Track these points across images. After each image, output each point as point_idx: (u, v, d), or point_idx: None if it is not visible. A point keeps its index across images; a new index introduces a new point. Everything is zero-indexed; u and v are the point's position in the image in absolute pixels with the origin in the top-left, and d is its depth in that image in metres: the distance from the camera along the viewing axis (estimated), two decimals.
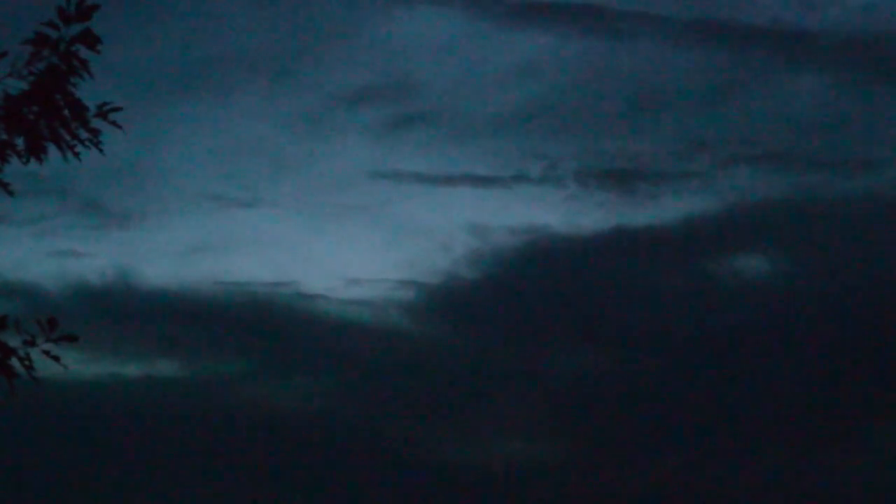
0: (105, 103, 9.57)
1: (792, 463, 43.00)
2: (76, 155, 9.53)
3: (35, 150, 9.46)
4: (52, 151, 9.56)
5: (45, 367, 9.33)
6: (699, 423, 44.21)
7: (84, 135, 9.53)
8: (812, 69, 53.55)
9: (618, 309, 48.51)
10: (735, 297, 48.08)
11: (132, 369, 50.54)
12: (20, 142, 9.45)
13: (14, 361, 9.30)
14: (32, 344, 9.26)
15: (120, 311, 50.76)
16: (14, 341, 9.34)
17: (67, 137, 9.50)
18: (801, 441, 43.47)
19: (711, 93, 56.34)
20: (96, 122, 9.56)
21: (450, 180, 55.69)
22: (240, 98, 58.88)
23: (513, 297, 50.38)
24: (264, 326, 50.54)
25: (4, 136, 9.42)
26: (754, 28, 53.31)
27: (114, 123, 9.58)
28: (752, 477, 42.46)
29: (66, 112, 9.45)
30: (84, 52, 9.38)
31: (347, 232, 60.45)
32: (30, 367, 9.25)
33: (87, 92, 9.50)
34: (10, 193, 9.62)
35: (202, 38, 58.94)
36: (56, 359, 9.31)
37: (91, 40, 9.36)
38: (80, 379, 44.70)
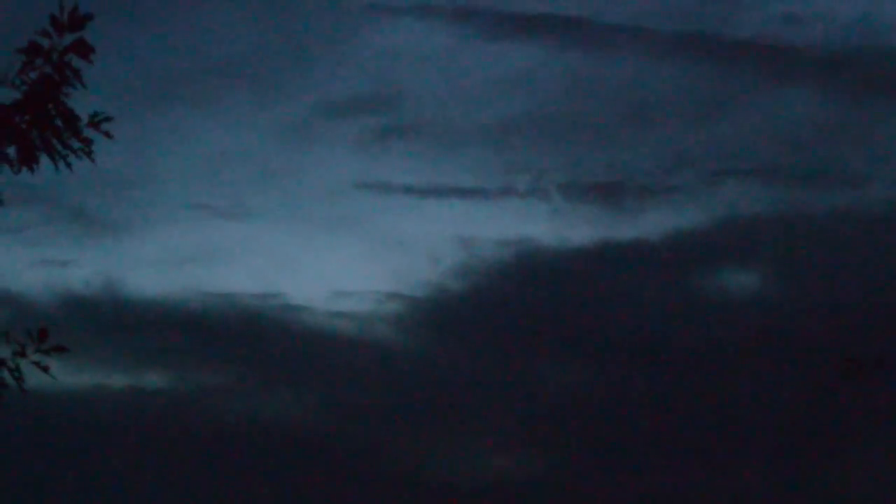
0: (97, 113, 9.50)
1: (779, 479, 43.00)
2: (68, 165, 9.47)
3: (27, 160, 9.39)
4: (43, 160, 9.49)
5: (30, 377, 9.25)
6: (687, 437, 44.19)
7: (76, 144, 9.47)
8: (799, 84, 53.66)
9: (605, 323, 48.48)
10: (722, 312, 48.06)
11: (118, 380, 50.38)
12: (12, 151, 9.38)
13: (3, 373, 9.22)
14: (23, 354, 9.18)
15: (105, 321, 50.61)
16: (3, 352, 9.26)
17: (59, 147, 9.43)
18: (789, 457, 43.47)
19: (698, 107, 56.43)
20: (88, 132, 9.50)
21: (436, 192, 55.65)
22: (225, 108, 58.82)
23: (500, 310, 50.33)
24: (250, 338, 50.43)
25: None
26: (741, 42, 53.41)
27: (106, 134, 9.52)
28: (739, 492, 42.45)
29: (58, 122, 9.39)
30: (77, 61, 9.32)
31: (334, 243, 60.37)
32: (20, 379, 9.17)
33: (73, 101, 9.45)
34: (0, 202, 9.55)
35: (187, 47, 58.86)
36: (45, 369, 9.23)
37: (84, 50, 9.30)
38: (64, 389, 44.55)
